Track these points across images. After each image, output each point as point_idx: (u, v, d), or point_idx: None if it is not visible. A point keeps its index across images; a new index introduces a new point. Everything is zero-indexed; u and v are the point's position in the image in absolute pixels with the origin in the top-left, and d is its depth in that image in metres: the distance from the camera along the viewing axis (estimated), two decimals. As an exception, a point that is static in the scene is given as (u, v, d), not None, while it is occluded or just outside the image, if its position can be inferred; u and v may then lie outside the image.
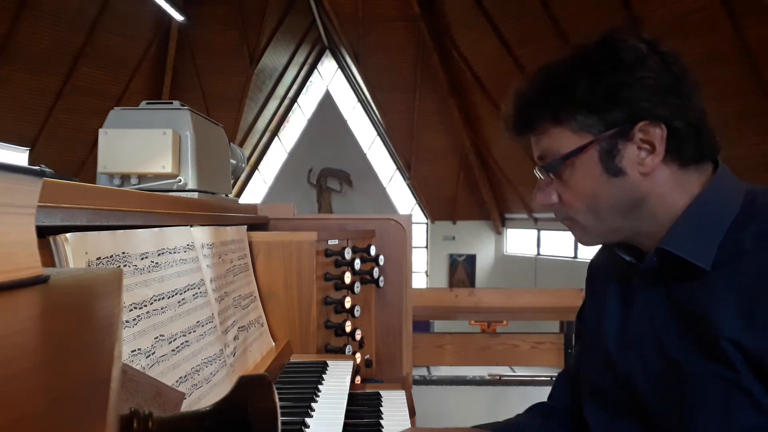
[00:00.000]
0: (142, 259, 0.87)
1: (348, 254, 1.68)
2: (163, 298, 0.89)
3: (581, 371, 1.12)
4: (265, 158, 15.50)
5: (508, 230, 14.25)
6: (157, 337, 0.84)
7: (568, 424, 1.16)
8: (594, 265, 1.16)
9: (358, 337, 1.74)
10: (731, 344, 0.82)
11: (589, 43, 0.94)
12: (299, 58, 14.27)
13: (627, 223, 0.94)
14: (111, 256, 0.79)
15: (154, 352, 0.82)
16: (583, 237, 0.99)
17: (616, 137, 0.89)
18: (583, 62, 0.92)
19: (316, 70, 15.41)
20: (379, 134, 15.17)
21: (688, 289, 0.89)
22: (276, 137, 15.50)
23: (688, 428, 0.88)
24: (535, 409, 1.21)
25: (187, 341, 0.93)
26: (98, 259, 0.76)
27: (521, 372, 4.56)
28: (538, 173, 0.99)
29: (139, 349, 0.79)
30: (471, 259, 14.56)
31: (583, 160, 0.91)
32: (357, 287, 1.69)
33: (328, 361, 1.41)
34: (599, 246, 1.13)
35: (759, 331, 0.80)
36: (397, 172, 15.21)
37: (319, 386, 1.23)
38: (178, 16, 9.87)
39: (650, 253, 0.93)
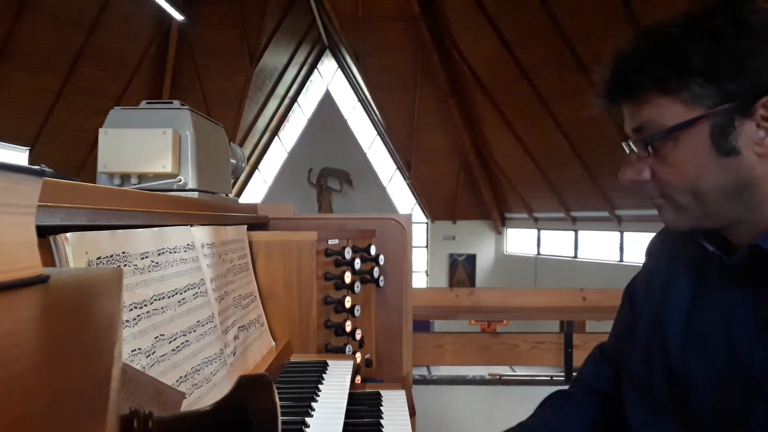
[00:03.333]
0: (142, 258, 0.87)
1: (348, 254, 1.68)
2: (163, 297, 0.89)
3: (625, 357, 1.03)
4: (265, 158, 15.51)
5: (508, 230, 14.26)
6: (157, 337, 0.84)
7: (587, 410, 1.10)
8: (661, 242, 1.06)
9: (358, 336, 1.74)
10: None
11: (709, 3, 0.83)
12: (299, 58, 14.27)
13: (730, 209, 0.83)
14: (111, 256, 0.79)
15: (154, 352, 0.82)
16: (676, 219, 0.88)
17: (734, 112, 0.79)
18: (702, 25, 0.81)
19: (316, 70, 15.42)
20: (379, 134, 15.17)
21: None
22: (276, 137, 15.50)
23: None
24: (550, 403, 1.14)
25: (187, 341, 0.93)
26: (98, 258, 0.75)
27: (521, 372, 4.56)
28: (629, 147, 0.89)
29: (139, 349, 0.79)
30: (471, 259, 14.57)
31: (691, 135, 0.81)
32: (357, 287, 1.69)
33: (328, 361, 1.41)
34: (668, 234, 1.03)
35: None
36: (397, 171, 15.21)
37: (319, 386, 1.23)
38: (178, 16, 9.87)
39: (743, 247, 0.83)
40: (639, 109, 0.86)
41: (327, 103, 15.33)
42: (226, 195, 1.63)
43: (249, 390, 0.39)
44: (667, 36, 0.83)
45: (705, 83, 0.80)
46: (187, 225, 1.08)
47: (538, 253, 13.20)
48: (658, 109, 0.83)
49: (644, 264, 1.08)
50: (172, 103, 1.42)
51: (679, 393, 0.90)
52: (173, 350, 0.88)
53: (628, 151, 0.90)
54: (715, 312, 0.87)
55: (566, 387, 1.20)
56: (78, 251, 0.71)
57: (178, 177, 1.36)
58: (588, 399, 1.12)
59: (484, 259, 14.57)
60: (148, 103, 1.42)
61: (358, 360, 1.69)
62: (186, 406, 0.77)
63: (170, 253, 0.96)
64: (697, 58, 0.80)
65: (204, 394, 0.94)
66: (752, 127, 0.79)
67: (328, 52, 15.22)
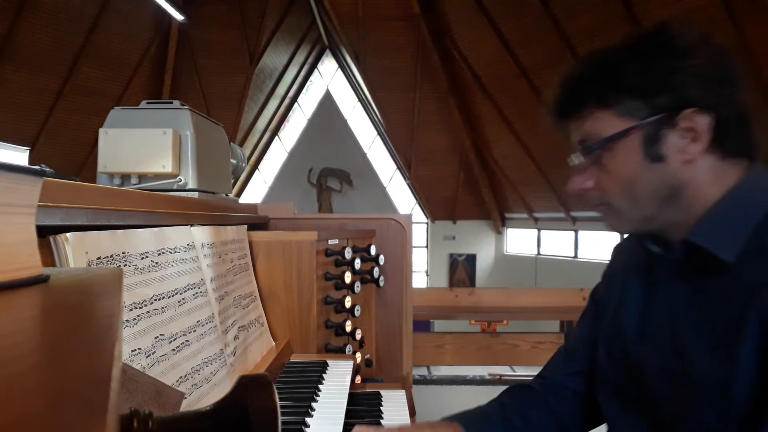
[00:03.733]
0: (143, 258, 0.87)
1: (348, 254, 1.68)
2: (164, 297, 0.89)
3: (596, 359, 1.10)
4: (265, 158, 15.50)
5: (508, 230, 14.25)
6: (157, 337, 0.84)
7: (544, 408, 1.15)
8: (618, 249, 1.16)
9: (358, 336, 1.74)
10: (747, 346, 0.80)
11: (642, 31, 0.95)
12: (299, 58, 14.26)
13: (663, 211, 0.93)
14: (111, 256, 0.79)
15: (154, 352, 0.82)
16: (617, 223, 0.99)
17: (661, 123, 0.89)
18: (635, 47, 0.92)
19: (316, 70, 15.41)
20: (379, 134, 15.16)
21: (712, 285, 0.88)
22: (276, 137, 15.49)
23: (688, 429, 0.88)
24: (510, 392, 1.20)
25: (187, 341, 0.93)
26: (98, 258, 0.75)
27: (521, 372, 4.55)
28: (574, 159, 0.98)
29: (139, 349, 0.79)
30: (471, 259, 14.56)
31: (625, 144, 0.91)
32: (357, 287, 1.69)
33: (328, 361, 1.41)
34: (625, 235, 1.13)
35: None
36: (397, 171, 15.21)
37: (320, 386, 1.23)
38: (178, 16, 9.86)
39: (676, 244, 0.93)
40: (582, 123, 0.96)
41: (327, 103, 15.33)
42: (226, 195, 1.63)
43: (249, 390, 0.39)
44: (606, 56, 0.95)
45: (635, 98, 0.90)
46: (187, 225, 1.08)
47: (538, 253, 13.19)
48: (597, 122, 0.93)
49: (606, 269, 1.17)
50: (172, 103, 1.42)
51: (639, 388, 0.97)
52: (173, 350, 0.88)
53: (572, 164, 0.99)
54: (661, 308, 0.96)
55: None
56: (78, 251, 0.71)
57: (178, 177, 1.36)
58: (548, 395, 1.17)
59: (484, 259, 14.57)
60: (148, 103, 1.42)
61: (358, 360, 1.69)
62: (186, 406, 0.77)
63: (170, 253, 0.96)
64: (629, 75, 0.90)
65: (204, 394, 0.94)
66: (677, 136, 0.89)
67: (328, 52, 15.22)
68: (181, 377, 0.88)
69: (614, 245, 1.18)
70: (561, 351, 1.25)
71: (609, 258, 1.19)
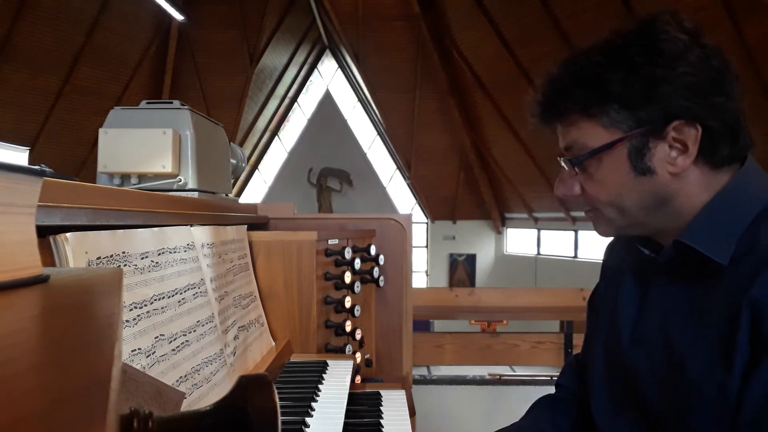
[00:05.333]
0: (142, 258, 0.87)
1: (348, 254, 1.68)
2: (163, 297, 0.89)
3: (590, 360, 1.10)
4: (265, 158, 15.50)
5: (508, 230, 14.25)
6: (157, 337, 0.84)
7: (574, 412, 1.15)
8: (611, 251, 1.14)
9: (358, 336, 1.74)
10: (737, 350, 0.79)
11: (627, 30, 0.89)
12: (299, 58, 14.26)
13: (652, 219, 0.91)
14: (111, 256, 0.79)
15: (154, 352, 0.82)
16: (605, 229, 0.97)
17: (648, 135, 0.86)
18: (619, 53, 0.87)
19: (316, 70, 15.41)
20: (379, 134, 15.16)
21: (705, 287, 0.86)
22: (276, 137, 15.49)
23: None
24: (539, 405, 1.19)
25: (187, 341, 0.93)
26: (98, 258, 0.75)
27: (521, 372, 4.55)
28: (562, 163, 0.96)
29: (139, 349, 0.79)
30: (471, 259, 14.56)
31: (612, 156, 0.89)
32: (357, 287, 1.69)
33: (328, 361, 1.41)
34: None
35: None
36: (397, 171, 15.21)
37: (320, 386, 1.23)
38: (178, 16, 9.87)
39: (668, 246, 0.90)
40: (567, 130, 0.93)
41: (327, 103, 15.33)
42: (226, 195, 1.63)
43: (249, 390, 0.39)
44: (589, 62, 0.90)
45: (620, 109, 0.87)
46: (187, 225, 1.08)
47: (538, 253, 13.19)
48: (583, 132, 0.90)
49: (601, 272, 1.16)
50: (172, 103, 1.42)
51: (633, 390, 0.96)
52: (173, 350, 0.88)
53: (562, 167, 0.97)
54: (654, 310, 0.94)
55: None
56: (78, 251, 0.71)
57: (178, 177, 1.36)
58: (572, 402, 1.17)
59: (484, 259, 14.56)
60: (148, 103, 1.42)
61: (358, 360, 1.69)
62: (186, 406, 0.77)
63: (170, 253, 0.96)
64: (613, 84, 0.86)
65: (204, 394, 0.94)
66: (665, 148, 0.86)
67: (328, 52, 15.21)
68: (181, 377, 0.88)
69: (606, 248, 1.17)
70: (571, 361, 1.26)
71: (602, 261, 1.18)
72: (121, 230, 0.83)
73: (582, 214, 1.02)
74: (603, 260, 1.16)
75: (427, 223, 14.93)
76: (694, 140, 0.84)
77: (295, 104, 15.48)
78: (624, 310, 1.00)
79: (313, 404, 1.12)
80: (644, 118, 0.85)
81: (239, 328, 1.24)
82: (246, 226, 1.47)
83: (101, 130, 1.35)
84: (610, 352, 1.02)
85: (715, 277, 0.85)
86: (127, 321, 0.77)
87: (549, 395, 1.22)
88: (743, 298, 0.79)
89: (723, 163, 0.88)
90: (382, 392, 1.47)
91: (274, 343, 1.45)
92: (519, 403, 1.45)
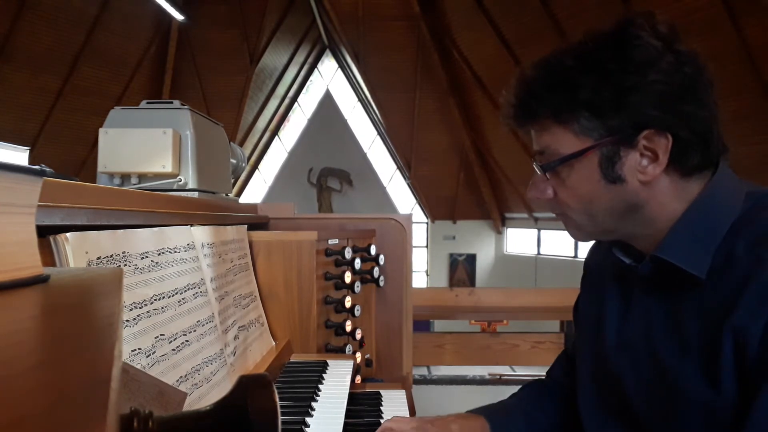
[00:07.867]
0: (143, 258, 0.87)
1: (348, 254, 1.68)
2: (164, 297, 0.89)
3: (577, 366, 1.11)
4: (265, 158, 15.49)
5: (509, 230, 14.25)
6: (157, 337, 0.84)
7: (561, 402, 1.17)
8: (591, 261, 1.14)
9: (358, 336, 1.74)
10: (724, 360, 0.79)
11: (601, 33, 0.88)
12: (299, 58, 14.26)
13: (622, 226, 0.92)
14: (111, 256, 0.79)
15: (154, 352, 0.82)
16: (575, 233, 0.98)
17: (618, 143, 0.85)
18: (590, 57, 0.86)
19: (316, 70, 15.41)
20: (379, 134, 15.16)
21: (685, 301, 0.86)
22: (276, 137, 15.49)
23: None
24: (528, 388, 1.22)
25: (187, 341, 0.93)
26: (98, 258, 0.75)
27: (521, 371, 4.55)
28: (535, 167, 0.96)
29: (140, 349, 0.79)
30: (471, 259, 14.56)
31: (582, 164, 0.89)
32: (357, 287, 1.69)
33: (328, 361, 1.41)
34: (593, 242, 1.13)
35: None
36: (397, 171, 15.20)
37: (320, 386, 1.23)
38: (178, 16, 9.87)
39: (646, 258, 0.90)
40: (539, 135, 0.93)
41: (327, 103, 15.32)
42: (226, 195, 1.63)
43: (249, 390, 0.39)
44: (561, 66, 0.88)
45: (591, 117, 0.86)
46: (187, 225, 1.08)
47: (538, 253, 13.19)
48: (555, 138, 0.90)
49: (581, 283, 1.15)
50: (172, 103, 1.42)
51: (619, 396, 0.96)
52: (173, 350, 0.88)
53: (535, 169, 0.96)
54: (637, 319, 0.94)
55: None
56: (78, 251, 0.71)
57: (178, 177, 1.36)
58: (560, 393, 1.20)
59: (484, 259, 14.56)
60: (148, 103, 1.42)
61: (358, 360, 1.69)
62: (186, 406, 0.77)
63: (170, 253, 0.96)
64: (584, 91, 0.85)
65: (204, 394, 0.94)
66: (636, 156, 0.86)
67: (328, 52, 15.21)
68: (181, 377, 0.88)
69: (587, 252, 1.16)
70: (561, 355, 1.28)
71: (583, 266, 1.17)
72: (121, 230, 0.83)
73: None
74: (585, 260, 1.16)
75: (427, 223, 14.93)
76: (665, 149, 0.84)
77: (295, 104, 15.48)
78: (609, 317, 1.00)
79: (313, 404, 1.12)
80: (615, 126, 0.85)
81: (239, 327, 1.24)
82: (246, 225, 1.47)
83: (101, 130, 1.35)
84: (595, 358, 1.03)
85: (694, 290, 0.85)
86: (127, 321, 0.77)
87: (540, 381, 1.24)
88: (725, 322, 0.79)
89: (694, 171, 0.87)
90: (383, 392, 1.47)
91: (274, 343, 1.45)
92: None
